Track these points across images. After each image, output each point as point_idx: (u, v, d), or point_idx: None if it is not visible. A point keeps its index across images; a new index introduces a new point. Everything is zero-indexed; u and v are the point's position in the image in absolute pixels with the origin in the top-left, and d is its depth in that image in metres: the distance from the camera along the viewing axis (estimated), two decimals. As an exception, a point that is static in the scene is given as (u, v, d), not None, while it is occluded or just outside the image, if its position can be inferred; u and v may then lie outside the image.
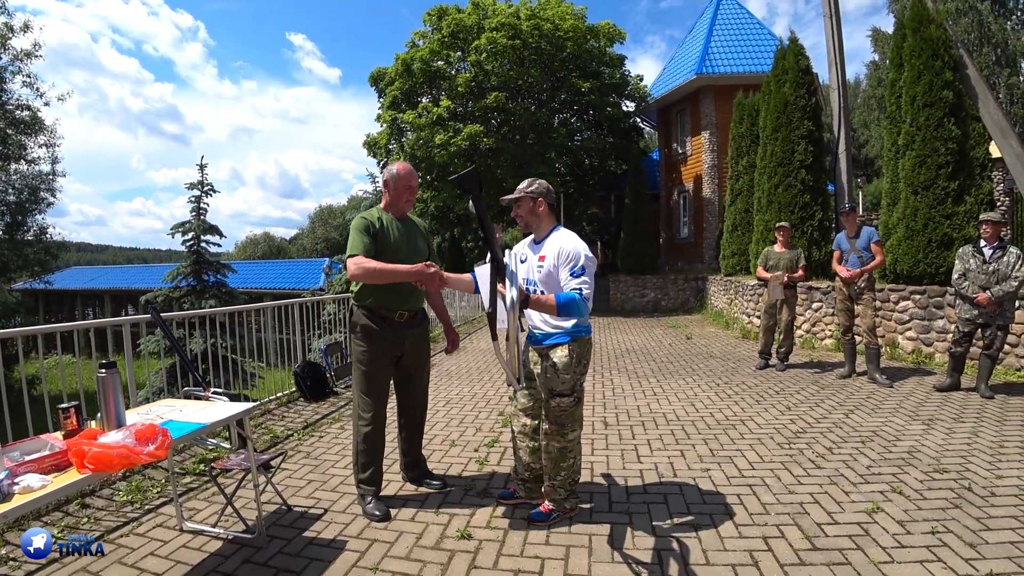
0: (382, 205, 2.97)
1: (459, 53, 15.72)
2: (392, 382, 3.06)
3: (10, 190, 16.40)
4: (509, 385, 2.46)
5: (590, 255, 2.48)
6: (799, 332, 8.03)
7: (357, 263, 2.67)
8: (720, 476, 3.29)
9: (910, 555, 2.36)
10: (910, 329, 6.67)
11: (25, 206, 16.50)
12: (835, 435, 3.98)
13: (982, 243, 4.88)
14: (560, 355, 2.54)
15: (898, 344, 6.80)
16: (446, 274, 2.77)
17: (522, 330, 2.66)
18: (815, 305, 7.96)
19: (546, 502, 2.76)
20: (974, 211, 6.28)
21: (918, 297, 6.56)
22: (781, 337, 6.41)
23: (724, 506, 2.88)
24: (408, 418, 3.11)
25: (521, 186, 2.70)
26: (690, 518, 2.76)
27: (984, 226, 4.86)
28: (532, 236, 2.76)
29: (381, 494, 3.00)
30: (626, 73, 17.39)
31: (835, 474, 3.26)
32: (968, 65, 6.69)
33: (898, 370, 6.07)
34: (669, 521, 2.74)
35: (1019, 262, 4.59)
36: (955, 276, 5.00)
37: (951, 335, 5.17)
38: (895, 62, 7.15)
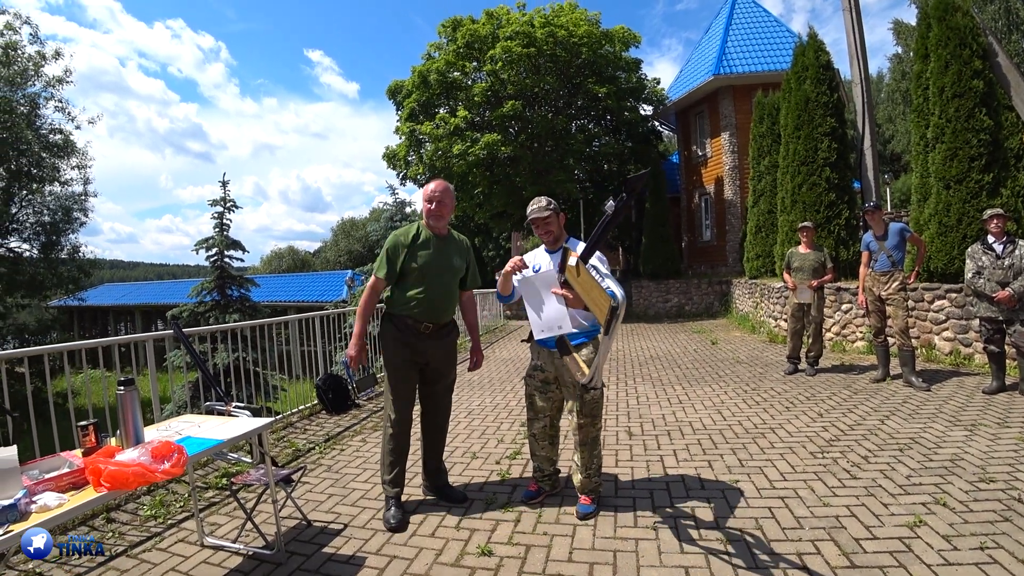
0: (423, 221, 3.04)
1: (475, 63, 15.81)
2: (418, 388, 3.12)
3: (44, 211, 17.04)
4: (590, 386, 2.41)
5: (606, 260, 2.67)
6: (829, 335, 7.79)
7: (366, 291, 2.94)
8: (750, 488, 3.17)
9: (957, 573, 2.21)
10: (947, 329, 6.40)
11: (59, 226, 17.12)
12: (871, 443, 3.81)
13: (990, 239, 4.77)
14: (586, 354, 2.73)
15: (935, 345, 6.53)
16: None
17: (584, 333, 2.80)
18: (845, 307, 7.71)
19: (583, 496, 2.91)
20: (1011, 204, 6.03)
21: (954, 296, 6.30)
22: (810, 340, 6.21)
23: (755, 520, 2.76)
24: (430, 422, 3.17)
25: (542, 204, 2.81)
26: (719, 533, 2.65)
27: (995, 220, 4.73)
28: (544, 246, 2.95)
29: (403, 502, 3.06)
30: (643, 77, 17.28)
31: (873, 485, 3.11)
32: (998, 52, 6.45)
33: (936, 372, 5.82)
34: (697, 536, 2.63)
35: None
36: (969, 275, 4.87)
37: (981, 334, 5.01)
38: (920, 53, 6.93)
